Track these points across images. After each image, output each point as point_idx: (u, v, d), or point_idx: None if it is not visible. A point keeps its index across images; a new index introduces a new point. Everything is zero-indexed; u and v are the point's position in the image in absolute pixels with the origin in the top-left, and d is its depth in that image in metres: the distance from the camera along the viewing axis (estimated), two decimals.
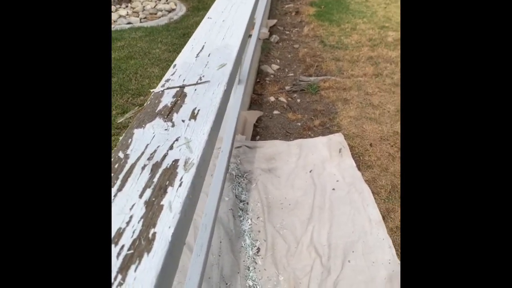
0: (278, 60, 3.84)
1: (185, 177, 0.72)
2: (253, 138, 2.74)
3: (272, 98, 3.18)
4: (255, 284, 1.83)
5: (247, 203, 2.28)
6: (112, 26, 4.91)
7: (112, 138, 2.68)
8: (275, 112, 3.02)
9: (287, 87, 3.38)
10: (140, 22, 5.02)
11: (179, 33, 4.59)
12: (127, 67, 3.67)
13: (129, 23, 4.96)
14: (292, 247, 2.00)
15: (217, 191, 1.61)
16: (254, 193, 2.32)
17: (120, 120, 1.20)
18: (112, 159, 0.73)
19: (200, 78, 1.05)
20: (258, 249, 2.01)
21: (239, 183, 2.33)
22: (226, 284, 1.82)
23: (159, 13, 5.29)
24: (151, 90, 0.94)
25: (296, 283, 1.84)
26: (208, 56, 1.17)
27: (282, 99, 3.19)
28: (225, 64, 1.15)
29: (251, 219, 2.15)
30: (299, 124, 2.89)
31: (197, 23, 4.99)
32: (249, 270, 1.92)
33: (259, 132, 2.79)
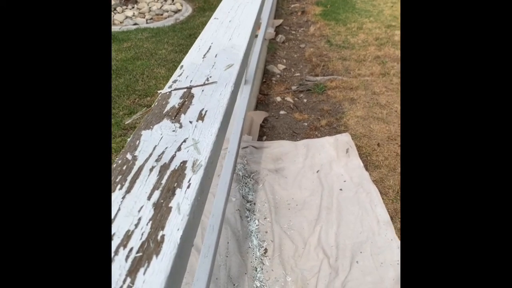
0: (284, 60, 3.83)
1: (193, 178, 0.71)
2: (260, 138, 2.74)
3: (278, 98, 3.18)
4: (263, 285, 1.82)
5: (254, 204, 2.28)
6: (119, 27, 4.93)
7: (119, 139, 2.69)
8: (282, 112, 3.02)
9: (293, 87, 3.37)
10: (147, 23, 5.04)
11: (185, 33, 4.60)
12: (133, 68, 3.68)
13: (135, 24, 4.98)
14: (299, 248, 2.00)
15: (224, 192, 1.61)
16: (261, 193, 2.31)
17: (128, 122, 1.20)
18: (120, 161, 0.73)
19: (207, 79, 1.04)
20: (266, 249, 2.00)
21: (246, 183, 2.33)
22: (234, 285, 1.81)
23: (165, 14, 5.30)
24: (158, 91, 0.94)
25: (303, 284, 1.83)
26: (215, 56, 1.16)
27: (289, 99, 3.18)
28: (232, 65, 1.14)
29: (258, 220, 2.14)
30: (306, 124, 2.88)
31: (203, 24, 4.99)
32: (256, 271, 1.91)
33: (266, 132, 2.78)
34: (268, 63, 3.70)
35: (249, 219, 2.19)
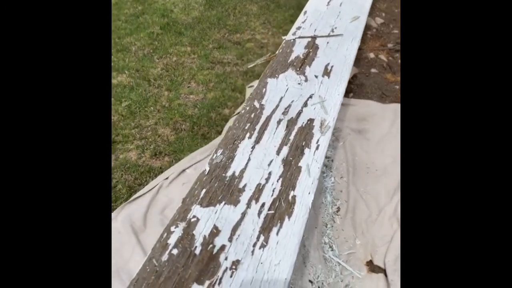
0: (383, 14, 3.56)
1: (321, 139, 0.69)
2: (346, 95, 2.63)
3: (371, 55, 2.99)
4: (331, 242, 1.84)
5: (332, 161, 2.24)
6: None
7: (207, 71, 2.71)
8: (373, 70, 2.85)
9: (389, 45, 3.15)
10: None
11: None
12: (226, 1, 3.62)
13: None
14: (373, 214, 1.96)
15: None
16: (341, 151, 2.26)
17: (250, 66, 1.17)
18: (248, 107, 0.72)
19: (332, 30, 0.97)
20: (338, 208, 1.99)
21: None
22: (303, 236, 1.85)
23: None
24: (283, 37, 0.89)
25: (373, 250, 1.82)
26: (340, 5, 1.07)
27: (382, 57, 2.99)
28: (358, 17, 1.05)
29: (334, 177, 2.12)
30: (398, 87, 2.71)
31: None
32: (326, 227, 1.92)
33: (353, 89, 2.66)
34: None
35: (325, 175, 2.18)
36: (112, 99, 2.47)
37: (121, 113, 2.36)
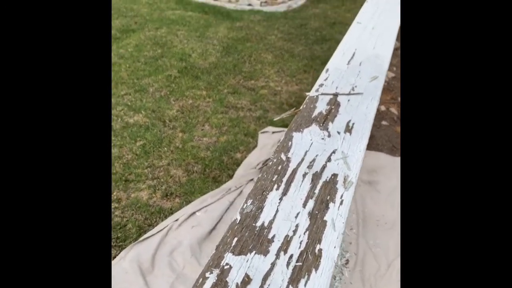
0: (394, 68, 3.68)
1: (345, 195, 0.72)
2: None
3: (382, 107, 3.07)
4: None
5: None
6: (233, 5, 5.05)
7: (221, 115, 2.78)
8: (384, 122, 2.91)
9: (400, 98, 3.23)
10: (260, 5, 5.10)
11: (296, 22, 4.59)
12: (242, 49, 3.77)
13: (249, 4, 5.06)
14: (382, 268, 1.94)
15: None
16: (351, 202, 2.27)
17: (276, 119, 1.22)
18: (275, 159, 0.75)
19: (353, 89, 1.03)
20: (347, 260, 1.97)
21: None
22: None
23: (279, 0, 5.32)
24: (306, 94, 0.94)
25: None
26: (360, 65, 1.14)
27: (393, 110, 3.06)
28: (377, 77, 1.11)
29: (344, 229, 2.11)
30: None
31: (315, 16, 4.95)
32: (334, 279, 1.90)
33: None
34: None
35: None
36: (127, 138, 2.52)
37: (135, 152, 2.40)
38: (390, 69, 3.65)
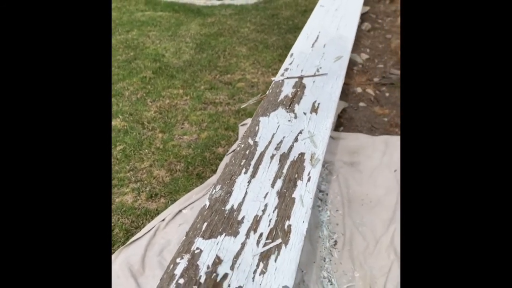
0: (368, 50, 3.71)
1: (312, 172, 0.73)
2: (337, 129, 2.70)
3: (359, 89, 3.10)
4: (330, 276, 1.84)
5: (327, 194, 2.27)
6: (203, 1, 5.02)
7: (199, 112, 2.78)
8: (361, 104, 2.94)
9: (375, 79, 3.27)
10: None
11: (268, 13, 4.59)
12: (216, 44, 3.76)
13: None
14: (370, 245, 1.97)
15: None
16: (334, 185, 2.30)
17: (243, 106, 1.23)
18: (242, 145, 0.76)
19: (318, 70, 1.04)
20: (335, 242, 2.00)
21: (319, 173, 2.32)
22: (302, 271, 1.84)
23: None
24: (272, 79, 0.96)
25: (372, 282, 1.82)
26: (324, 47, 1.15)
27: (370, 91, 3.09)
28: (341, 57, 1.13)
29: (330, 211, 2.14)
30: (386, 119, 2.79)
31: (286, 5, 4.95)
32: (324, 261, 1.92)
33: (343, 123, 2.74)
34: (351, 52, 3.61)
35: (320, 208, 2.20)
36: None
37: (116, 157, 2.39)
38: (364, 51, 3.68)
